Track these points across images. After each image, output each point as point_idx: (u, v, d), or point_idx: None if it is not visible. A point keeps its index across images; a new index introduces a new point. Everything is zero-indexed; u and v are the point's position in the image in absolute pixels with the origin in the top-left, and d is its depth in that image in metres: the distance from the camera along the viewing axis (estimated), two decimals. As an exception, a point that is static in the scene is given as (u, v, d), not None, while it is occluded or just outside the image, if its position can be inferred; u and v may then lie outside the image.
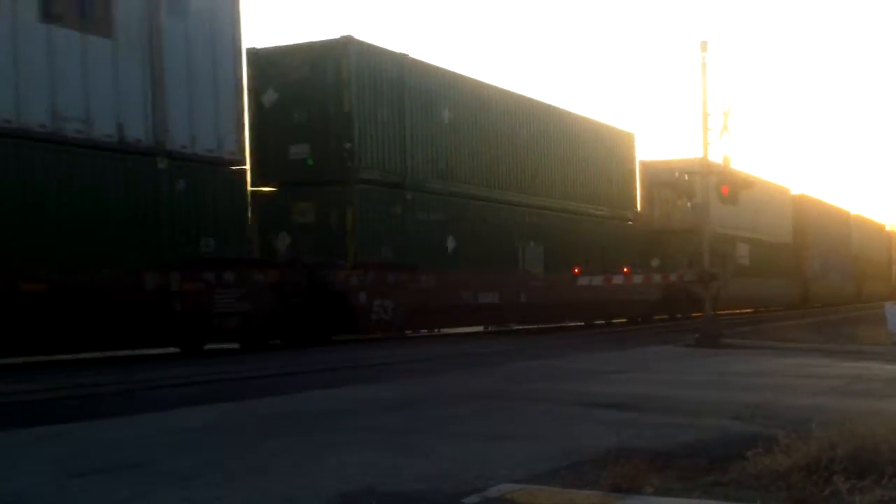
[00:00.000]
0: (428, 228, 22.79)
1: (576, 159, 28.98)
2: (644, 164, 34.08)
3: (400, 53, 22.46)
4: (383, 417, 8.83)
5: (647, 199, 33.98)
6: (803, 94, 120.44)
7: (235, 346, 18.76)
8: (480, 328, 25.50)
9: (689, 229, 28.09)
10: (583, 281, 24.51)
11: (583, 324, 28.79)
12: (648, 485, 5.54)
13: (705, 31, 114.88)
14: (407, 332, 23.08)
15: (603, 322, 29.99)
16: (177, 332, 17.04)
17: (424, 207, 22.71)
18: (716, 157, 20.98)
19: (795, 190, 48.21)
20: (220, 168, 17.90)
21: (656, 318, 32.35)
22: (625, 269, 25.90)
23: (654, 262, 29.69)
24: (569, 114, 29.42)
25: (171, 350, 17.62)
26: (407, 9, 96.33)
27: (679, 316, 33.01)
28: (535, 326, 26.44)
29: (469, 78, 24.99)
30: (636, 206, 33.07)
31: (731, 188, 21.33)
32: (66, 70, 15.32)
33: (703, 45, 20.57)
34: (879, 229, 64.55)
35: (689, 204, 21.20)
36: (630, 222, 32.30)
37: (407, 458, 6.61)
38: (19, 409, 9.94)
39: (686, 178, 21.31)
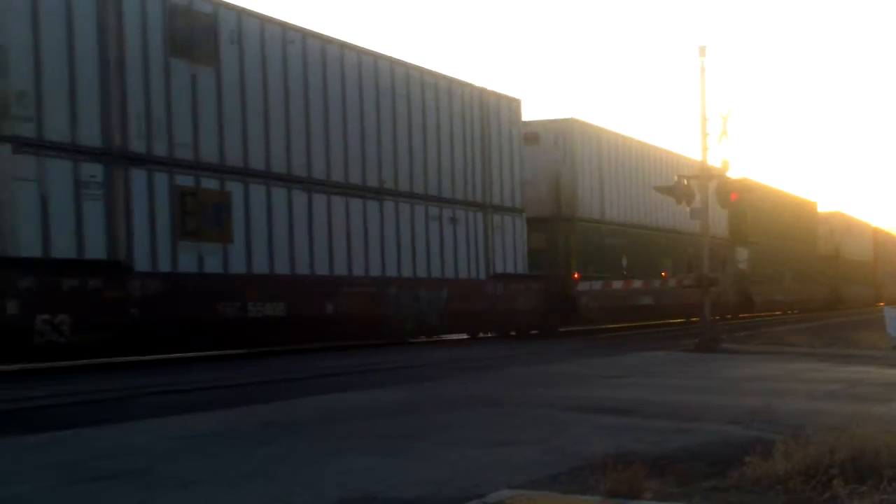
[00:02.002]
0: (612, 251, 30.37)
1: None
2: None
3: (598, 126, 30.52)
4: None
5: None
6: (802, 98, 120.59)
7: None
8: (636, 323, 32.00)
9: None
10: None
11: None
12: (647, 490, 5.55)
13: (705, 36, 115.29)
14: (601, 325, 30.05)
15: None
16: (497, 321, 25.42)
17: (611, 236, 30.50)
18: (715, 162, 21.02)
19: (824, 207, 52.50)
20: (514, 214, 26.39)
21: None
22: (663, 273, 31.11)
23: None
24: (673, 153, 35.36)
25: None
26: (405, 12, 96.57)
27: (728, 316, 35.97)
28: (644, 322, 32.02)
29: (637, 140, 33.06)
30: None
31: (728, 193, 21.33)
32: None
33: (702, 50, 20.60)
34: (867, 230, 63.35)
35: (687, 209, 21.21)
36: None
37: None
38: (28, 414, 9.96)
39: (686, 182, 21.44)
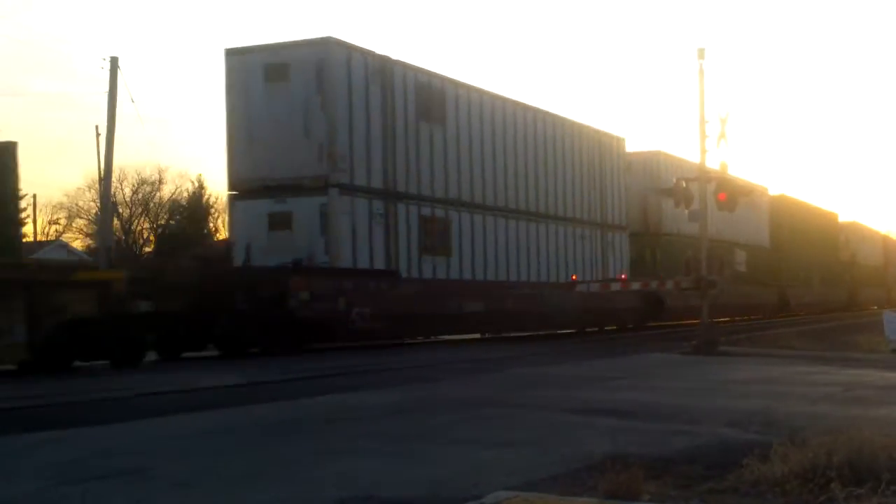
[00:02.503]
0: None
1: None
2: None
3: (679, 157, 34.33)
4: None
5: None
6: (802, 100, 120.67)
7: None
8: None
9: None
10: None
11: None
12: (645, 492, 5.55)
13: (704, 38, 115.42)
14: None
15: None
16: (609, 317, 29.91)
17: (687, 247, 32.92)
18: (713, 164, 21.03)
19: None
20: (620, 231, 32.41)
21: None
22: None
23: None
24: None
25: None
26: (401, 11, 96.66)
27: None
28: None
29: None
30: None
31: (729, 195, 21.33)
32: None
33: (701, 52, 20.61)
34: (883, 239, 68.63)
35: (686, 211, 21.22)
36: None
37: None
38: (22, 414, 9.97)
39: (684, 184, 21.54)
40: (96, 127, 29.13)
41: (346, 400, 11.08)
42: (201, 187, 54.57)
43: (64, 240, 50.32)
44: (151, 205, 56.40)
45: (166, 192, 56.67)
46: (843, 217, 56.93)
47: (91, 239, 50.35)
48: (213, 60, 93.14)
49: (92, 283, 15.94)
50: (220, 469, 6.62)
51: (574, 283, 28.11)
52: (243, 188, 20.46)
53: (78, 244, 50.75)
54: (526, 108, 27.39)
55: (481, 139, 24.84)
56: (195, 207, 53.85)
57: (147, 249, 51.71)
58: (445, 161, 23.28)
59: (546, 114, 28.41)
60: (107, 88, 26.20)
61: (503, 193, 25.96)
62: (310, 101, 19.51)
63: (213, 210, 54.51)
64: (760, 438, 7.35)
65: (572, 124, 29.89)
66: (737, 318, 36.99)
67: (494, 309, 24.48)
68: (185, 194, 55.70)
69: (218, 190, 51.84)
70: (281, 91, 19.51)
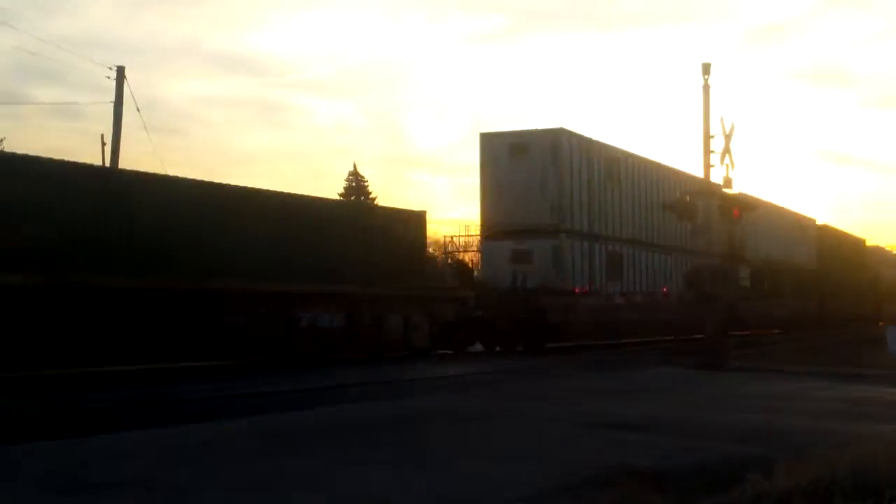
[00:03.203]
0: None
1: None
2: None
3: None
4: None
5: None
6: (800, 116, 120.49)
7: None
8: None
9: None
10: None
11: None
12: (651, 504, 5.58)
13: (708, 54, 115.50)
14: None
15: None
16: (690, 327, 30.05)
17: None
18: (717, 179, 21.10)
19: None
20: (692, 254, 32.29)
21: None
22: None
23: None
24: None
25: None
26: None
27: None
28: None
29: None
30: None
31: (739, 210, 21.33)
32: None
33: (706, 68, 20.71)
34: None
35: (689, 225, 21.25)
36: None
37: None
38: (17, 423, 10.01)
39: (688, 198, 21.72)
40: (101, 136, 29.45)
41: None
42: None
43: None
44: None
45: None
46: (870, 241, 63.28)
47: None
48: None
49: (457, 298, 25.15)
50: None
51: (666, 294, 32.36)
52: (492, 232, 27.52)
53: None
54: (658, 167, 33.48)
55: (631, 190, 31.31)
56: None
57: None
58: (620, 210, 30.15)
59: (661, 166, 34.06)
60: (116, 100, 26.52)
61: (650, 231, 32.47)
62: (546, 171, 26.70)
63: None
64: (765, 453, 7.38)
65: (669, 170, 35.07)
66: (766, 331, 40.34)
67: (647, 319, 30.63)
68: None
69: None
70: (522, 163, 26.93)
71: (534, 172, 26.64)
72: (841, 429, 9.22)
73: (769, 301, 39.27)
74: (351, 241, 21.44)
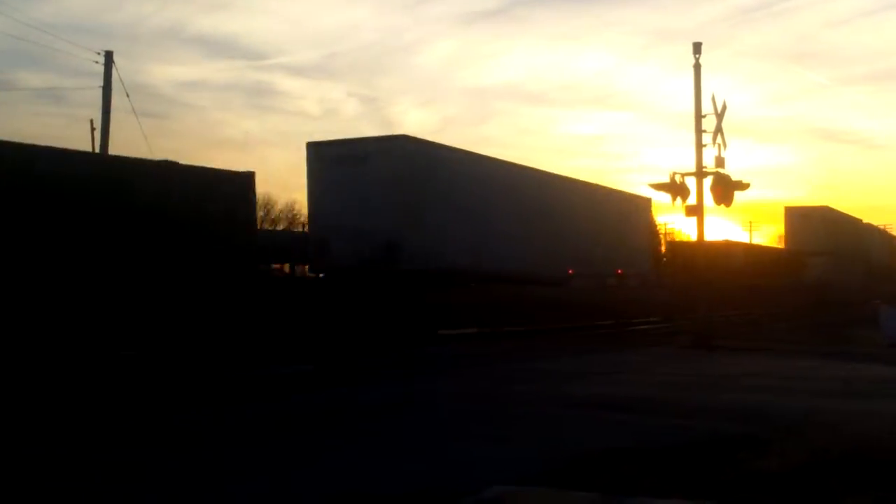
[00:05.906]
0: None
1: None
2: None
3: None
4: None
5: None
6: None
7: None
8: None
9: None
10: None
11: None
12: (642, 486, 5.55)
13: (701, 34, 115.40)
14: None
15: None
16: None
17: None
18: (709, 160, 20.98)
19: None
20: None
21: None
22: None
23: None
24: None
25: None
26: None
27: None
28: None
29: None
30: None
31: (724, 190, 21.27)
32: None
33: (697, 47, 20.58)
34: None
35: (682, 205, 21.14)
36: None
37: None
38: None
39: (680, 179, 21.43)
40: (91, 121, 29.26)
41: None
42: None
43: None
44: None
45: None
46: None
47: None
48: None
49: None
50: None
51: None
52: None
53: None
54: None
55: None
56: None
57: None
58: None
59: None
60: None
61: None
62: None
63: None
64: (758, 433, 7.33)
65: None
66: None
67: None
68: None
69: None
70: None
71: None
72: (834, 407, 9.19)
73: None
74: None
